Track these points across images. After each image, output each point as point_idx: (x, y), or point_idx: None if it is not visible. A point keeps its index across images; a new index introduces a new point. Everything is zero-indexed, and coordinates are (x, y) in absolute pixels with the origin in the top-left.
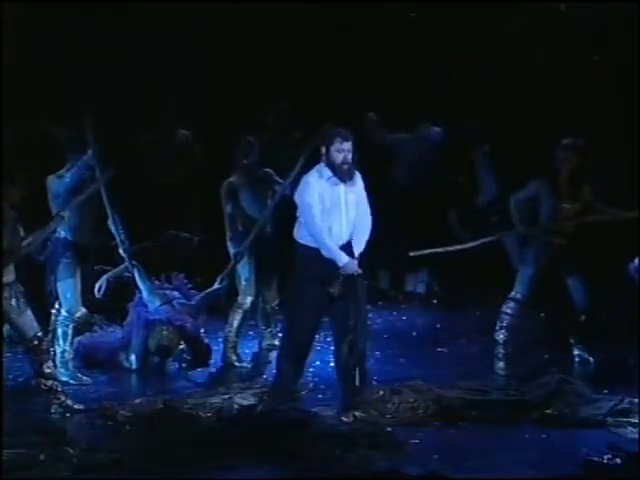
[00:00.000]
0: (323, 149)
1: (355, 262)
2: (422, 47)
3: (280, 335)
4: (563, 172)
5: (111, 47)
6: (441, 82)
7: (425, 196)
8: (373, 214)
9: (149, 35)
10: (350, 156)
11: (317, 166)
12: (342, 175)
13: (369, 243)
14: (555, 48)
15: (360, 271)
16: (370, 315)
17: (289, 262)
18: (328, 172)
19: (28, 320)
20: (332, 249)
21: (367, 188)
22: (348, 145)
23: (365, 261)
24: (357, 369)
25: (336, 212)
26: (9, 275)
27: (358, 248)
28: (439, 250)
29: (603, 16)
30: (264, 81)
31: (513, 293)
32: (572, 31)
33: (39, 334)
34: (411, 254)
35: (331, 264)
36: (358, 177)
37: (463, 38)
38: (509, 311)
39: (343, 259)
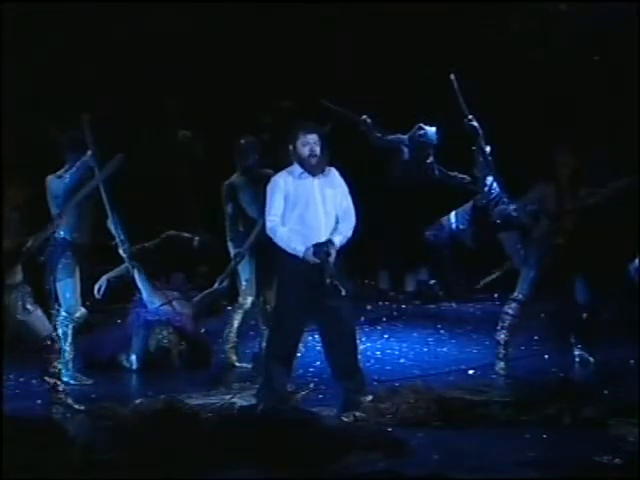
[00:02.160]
0: (291, 147)
1: (310, 250)
2: (422, 47)
3: (268, 335)
4: (563, 175)
5: (111, 47)
6: (441, 82)
7: (424, 196)
8: (373, 215)
9: (149, 35)
10: (317, 149)
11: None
12: (311, 169)
13: (369, 243)
14: (555, 48)
15: (316, 260)
16: (370, 315)
17: (276, 263)
18: (298, 169)
19: (39, 321)
20: (287, 242)
21: (365, 190)
22: (313, 137)
23: (365, 261)
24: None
25: (312, 207)
26: (16, 276)
27: (340, 236)
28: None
29: (603, 16)
30: (264, 81)
31: (515, 294)
32: (572, 31)
33: (53, 334)
34: (481, 284)
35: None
36: (334, 172)
37: (463, 38)
38: (511, 311)
39: (300, 250)
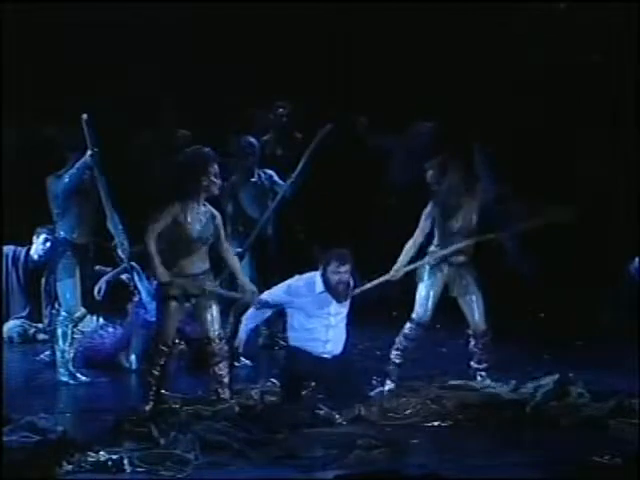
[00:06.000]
0: (320, 267)
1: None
2: (422, 46)
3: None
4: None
5: (111, 47)
6: (440, 82)
7: (423, 195)
8: (371, 215)
9: (149, 35)
10: (347, 277)
11: (312, 276)
12: (337, 295)
13: (368, 244)
14: (555, 48)
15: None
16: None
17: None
18: (321, 286)
19: (206, 319)
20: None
21: (364, 191)
22: (345, 268)
23: (364, 261)
24: None
25: (324, 324)
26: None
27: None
28: None
29: (603, 16)
30: (264, 81)
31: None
32: (572, 31)
33: (211, 335)
34: None
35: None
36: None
37: (463, 38)
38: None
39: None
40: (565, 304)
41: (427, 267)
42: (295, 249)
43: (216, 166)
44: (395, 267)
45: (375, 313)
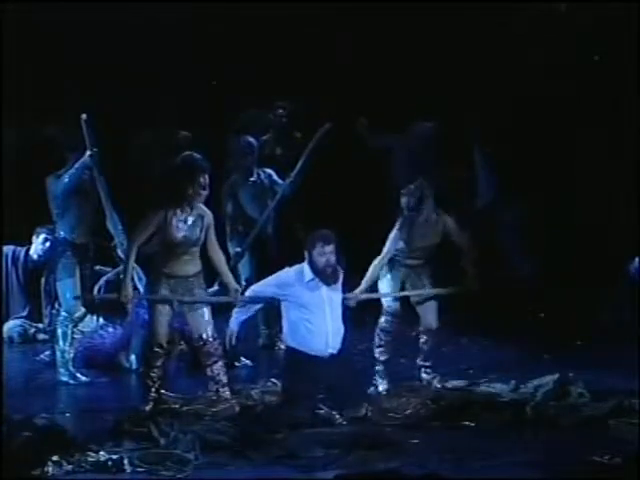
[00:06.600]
0: (306, 253)
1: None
2: (422, 46)
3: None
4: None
5: (111, 47)
6: (440, 82)
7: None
8: (369, 214)
9: (149, 35)
10: (333, 258)
11: (300, 266)
12: (325, 278)
13: (368, 243)
14: (555, 48)
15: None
16: (370, 315)
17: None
18: (310, 274)
19: (197, 320)
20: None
21: (363, 191)
22: (330, 248)
23: (363, 261)
24: None
25: (320, 315)
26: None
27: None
28: None
29: (603, 16)
30: (264, 81)
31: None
32: (572, 31)
33: (204, 336)
34: None
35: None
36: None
37: (463, 38)
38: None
39: None
40: (565, 304)
41: (385, 267)
42: (295, 248)
43: (206, 177)
44: (360, 288)
45: (375, 313)
